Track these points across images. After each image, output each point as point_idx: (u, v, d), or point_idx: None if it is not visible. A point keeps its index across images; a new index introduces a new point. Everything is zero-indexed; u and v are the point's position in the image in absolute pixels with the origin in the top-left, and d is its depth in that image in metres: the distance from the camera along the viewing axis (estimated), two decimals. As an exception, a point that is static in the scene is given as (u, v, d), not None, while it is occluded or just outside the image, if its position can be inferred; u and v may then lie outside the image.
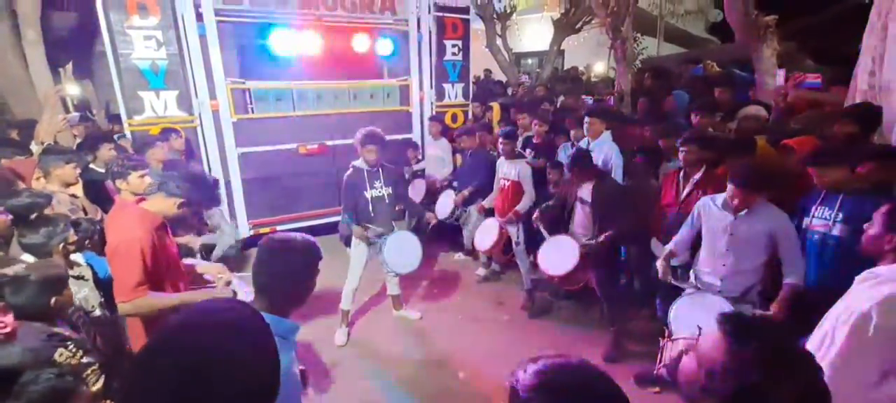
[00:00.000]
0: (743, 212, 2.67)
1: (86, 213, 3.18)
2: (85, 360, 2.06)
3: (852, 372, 1.60)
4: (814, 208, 2.69)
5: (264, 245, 1.54)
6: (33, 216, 2.55)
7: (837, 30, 6.86)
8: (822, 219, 2.64)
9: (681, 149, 3.28)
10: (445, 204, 5.00)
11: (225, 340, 0.81)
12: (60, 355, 1.99)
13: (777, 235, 2.61)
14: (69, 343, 2.06)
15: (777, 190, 2.92)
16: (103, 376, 2.07)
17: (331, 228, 5.57)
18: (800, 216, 2.76)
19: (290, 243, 1.53)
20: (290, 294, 1.50)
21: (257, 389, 0.81)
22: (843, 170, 2.55)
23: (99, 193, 3.55)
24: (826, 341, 1.76)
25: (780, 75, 4.37)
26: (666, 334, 2.54)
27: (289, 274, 1.48)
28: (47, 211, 2.66)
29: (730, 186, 2.66)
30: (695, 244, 3.00)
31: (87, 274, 2.60)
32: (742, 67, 6.01)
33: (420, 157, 6.00)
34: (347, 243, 4.10)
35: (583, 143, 4.24)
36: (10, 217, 2.42)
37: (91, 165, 3.86)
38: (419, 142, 6.14)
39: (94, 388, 1.97)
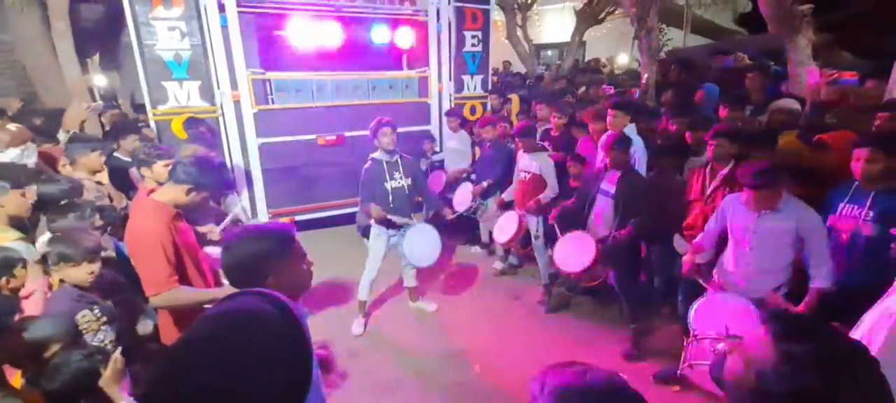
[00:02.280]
0: (768, 210, 2.57)
1: (111, 200, 3.26)
2: (104, 328, 2.14)
3: (891, 377, 1.52)
4: (842, 205, 2.57)
5: (223, 243, 1.46)
6: (63, 202, 2.65)
7: (876, 21, 6.55)
8: (852, 217, 2.52)
9: (709, 143, 3.17)
10: (463, 197, 4.96)
11: (254, 340, 0.81)
12: (84, 316, 2.07)
13: (804, 234, 2.50)
14: (96, 307, 2.13)
15: (807, 187, 2.81)
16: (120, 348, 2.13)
17: (349, 219, 5.60)
18: (825, 213, 2.64)
19: (247, 233, 1.45)
20: (270, 282, 1.36)
21: (289, 386, 0.81)
22: (888, 162, 2.42)
23: (124, 181, 3.63)
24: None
25: (815, 71, 4.18)
26: (690, 334, 2.49)
27: (255, 263, 1.38)
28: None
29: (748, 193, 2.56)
30: (720, 242, 2.91)
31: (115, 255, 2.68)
32: (773, 60, 5.79)
33: (437, 149, 5.98)
34: (365, 234, 4.11)
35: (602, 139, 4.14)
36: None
37: (116, 154, 3.94)
38: (437, 134, 6.11)
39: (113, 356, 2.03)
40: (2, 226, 2.33)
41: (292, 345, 0.86)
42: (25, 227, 2.53)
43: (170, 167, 2.91)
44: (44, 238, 2.44)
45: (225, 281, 2.30)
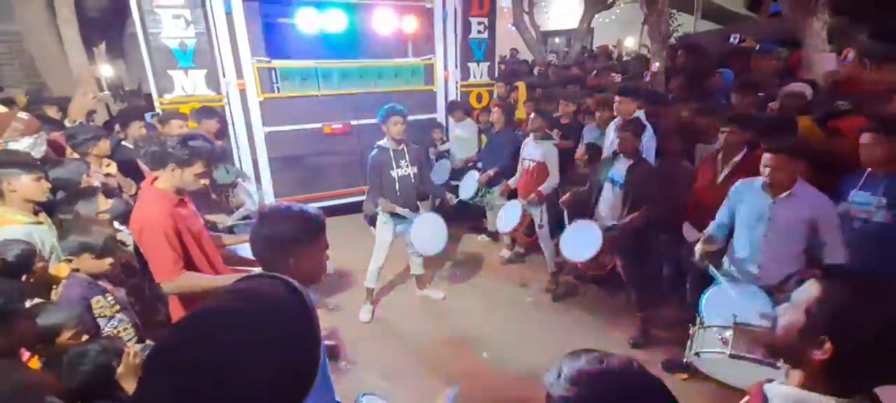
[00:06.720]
0: (783, 195, 2.51)
1: (120, 189, 3.27)
2: (119, 315, 2.17)
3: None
4: (854, 192, 2.52)
5: (260, 212, 1.50)
6: (80, 187, 2.68)
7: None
8: (864, 205, 2.47)
9: (722, 129, 3.11)
10: (469, 186, 4.94)
11: (269, 319, 0.78)
12: (98, 302, 2.09)
13: (818, 221, 2.44)
14: (108, 295, 2.16)
15: (823, 174, 2.75)
16: (136, 334, 2.16)
17: (355, 207, 5.61)
18: (837, 200, 2.58)
19: (286, 209, 1.47)
20: (290, 263, 1.39)
21: (291, 379, 0.75)
22: (890, 146, 2.36)
23: (133, 169, 3.65)
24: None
25: (833, 59, 4.06)
26: (697, 321, 2.46)
27: (284, 241, 1.39)
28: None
29: (767, 157, 2.44)
30: (731, 230, 2.87)
31: (129, 240, 2.70)
32: (789, 46, 5.64)
33: (445, 138, 5.94)
34: (372, 222, 4.11)
35: (613, 125, 4.08)
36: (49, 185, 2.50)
37: (123, 143, 3.95)
38: (443, 122, 6.07)
39: (129, 342, 2.07)
40: (13, 210, 2.34)
41: (305, 330, 0.83)
42: (49, 210, 2.54)
43: None
44: None
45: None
